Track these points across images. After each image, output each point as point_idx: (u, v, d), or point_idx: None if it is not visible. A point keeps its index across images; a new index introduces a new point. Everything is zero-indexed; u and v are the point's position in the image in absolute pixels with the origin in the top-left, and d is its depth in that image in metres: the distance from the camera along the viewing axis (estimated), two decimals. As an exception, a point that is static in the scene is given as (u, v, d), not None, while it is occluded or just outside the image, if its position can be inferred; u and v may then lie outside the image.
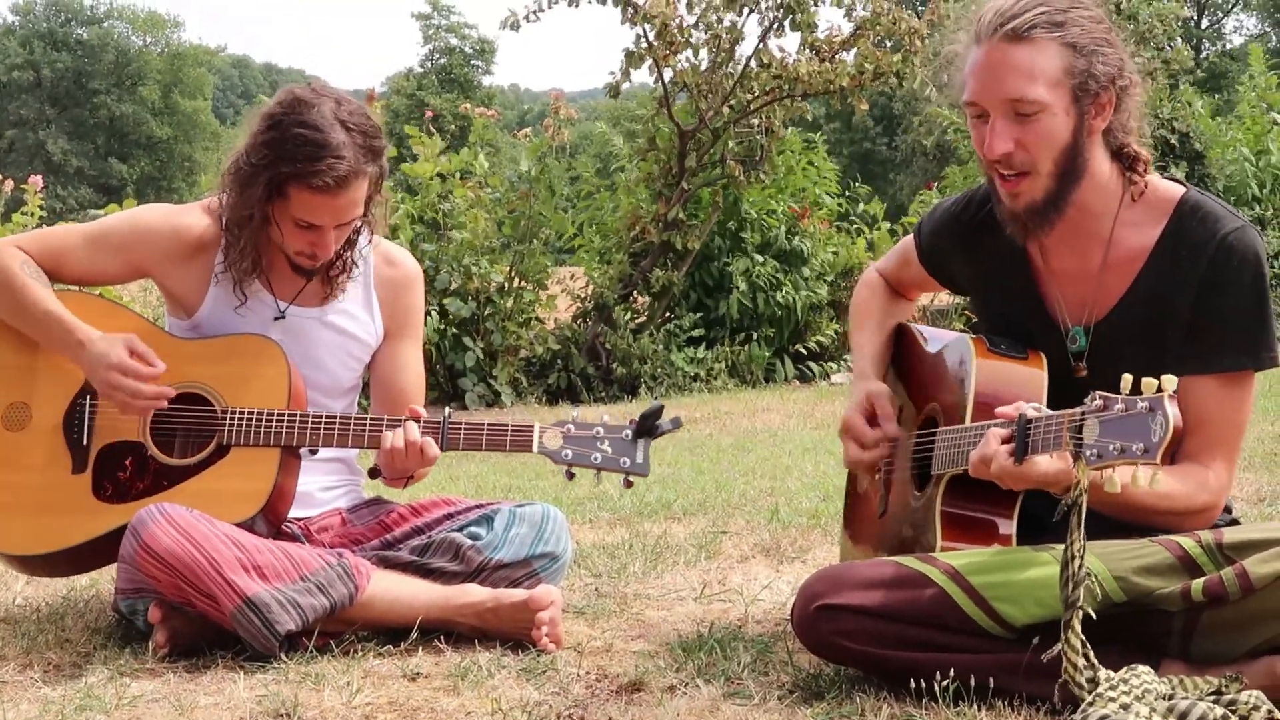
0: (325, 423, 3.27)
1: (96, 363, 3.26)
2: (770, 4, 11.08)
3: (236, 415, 3.27)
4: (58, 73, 62.82)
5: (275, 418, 3.26)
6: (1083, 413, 2.39)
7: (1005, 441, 2.59)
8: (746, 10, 11.08)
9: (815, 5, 11.12)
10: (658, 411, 3.24)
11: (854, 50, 11.17)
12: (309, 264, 3.36)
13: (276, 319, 3.43)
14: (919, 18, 11.35)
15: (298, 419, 3.26)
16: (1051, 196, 2.79)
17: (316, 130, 3.20)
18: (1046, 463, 2.56)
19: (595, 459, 3.25)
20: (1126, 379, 2.32)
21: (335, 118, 3.23)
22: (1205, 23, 56.15)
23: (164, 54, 66.41)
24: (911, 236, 3.29)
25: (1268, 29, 55.34)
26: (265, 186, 3.25)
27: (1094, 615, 2.45)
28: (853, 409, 3.15)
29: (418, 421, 3.25)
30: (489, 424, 3.28)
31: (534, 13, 11.11)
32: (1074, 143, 2.75)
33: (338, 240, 3.33)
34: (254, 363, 3.33)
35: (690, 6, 11.05)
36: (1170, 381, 2.28)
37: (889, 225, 13.27)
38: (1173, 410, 2.26)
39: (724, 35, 11.08)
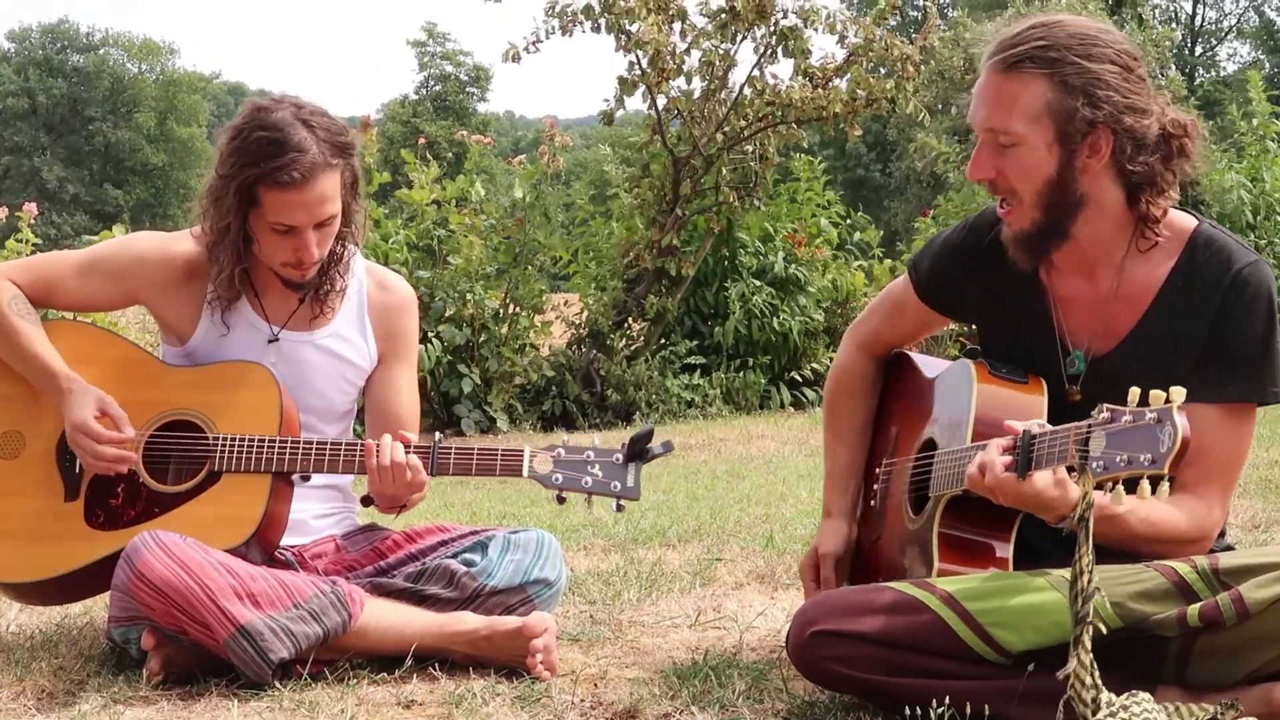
0: (316, 448, 3.27)
1: (67, 416, 3.28)
2: (764, 31, 11.11)
3: (228, 442, 3.26)
4: (53, 99, 62.89)
5: (266, 444, 3.26)
6: (1089, 425, 2.39)
7: (1006, 452, 2.59)
8: (739, 37, 11.11)
9: (809, 28, 11.13)
10: (648, 435, 3.24)
11: (847, 77, 11.20)
12: (298, 275, 3.36)
13: (270, 341, 3.43)
14: (911, 43, 11.39)
15: (288, 445, 3.26)
16: (1042, 227, 2.79)
17: (277, 130, 3.24)
18: (1044, 482, 2.56)
19: (586, 483, 3.24)
20: (1134, 392, 2.32)
21: (295, 118, 3.27)
22: (1199, 50, 56.35)
23: (159, 81, 66.49)
24: (899, 282, 3.26)
25: (1261, 55, 55.51)
26: (237, 197, 3.26)
27: (1105, 630, 2.44)
28: (805, 560, 3.29)
29: (407, 447, 3.25)
30: (479, 449, 3.28)
31: (533, 44, 11.15)
32: (1059, 178, 2.75)
33: (320, 244, 3.33)
34: (246, 389, 3.33)
35: (683, 34, 11.08)
36: (1179, 393, 2.28)
37: (888, 261, 13.24)
38: (1181, 421, 2.26)
39: (717, 62, 11.11)
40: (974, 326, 3.16)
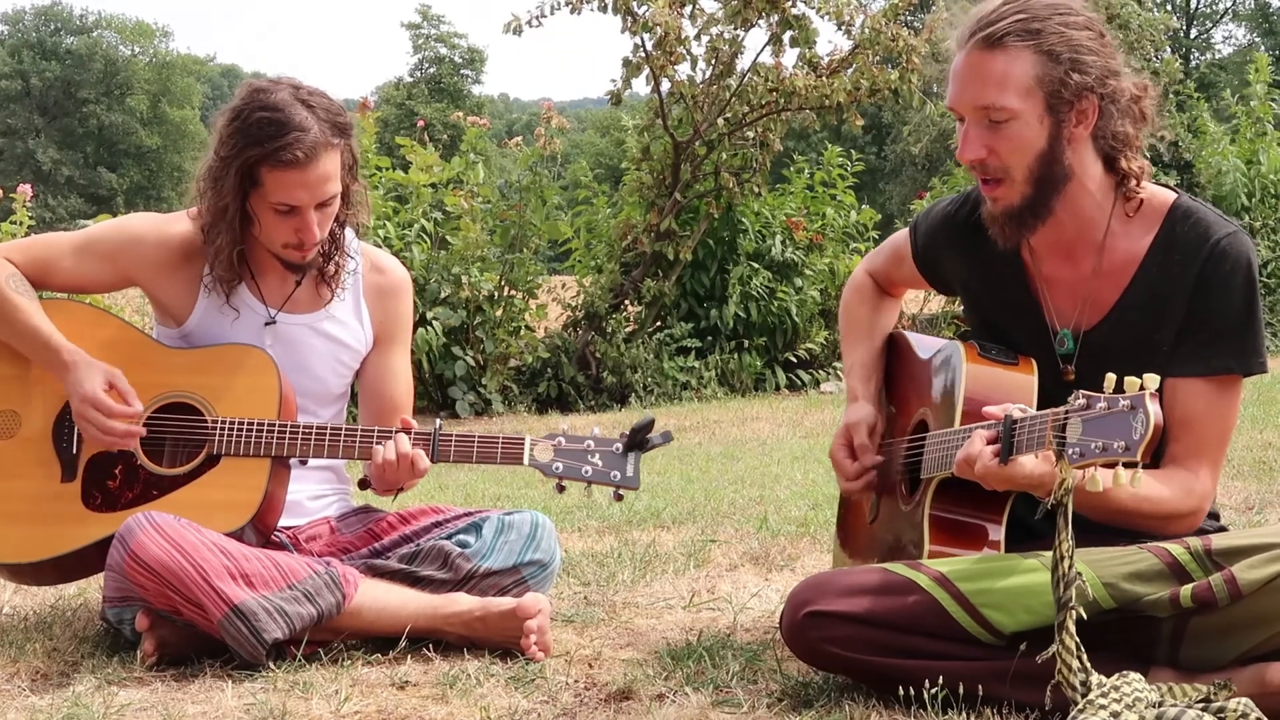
0: (316, 434, 3.27)
1: (74, 389, 3.27)
2: (771, 20, 11.05)
3: (227, 425, 3.26)
4: (47, 82, 62.73)
5: (265, 428, 3.25)
6: (1066, 412, 2.40)
7: (990, 442, 2.60)
8: (750, 24, 11.05)
9: (820, 16, 11.07)
10: (649, 425, 3.24)
11: (852, 68, 11.15)
12: (299, 256, 3.35)
13: (267, 324, 3.42)
14: (915, 34, 11.33)
15: (288, 429, 3.26)
16: (1029, 202, 2.79)
17: (277, 110, 3.23)
18: (1031, 463, 2.57)
19: (586, 472, 3.24)
20: (1110, 378, 2.33)
21: (295, 98, 3.26)
22: (1194, 33, 56.27)
23: (152, 63, 66.34)
24: (904, 233, 3.28)
25: (1256, 39, 55.44)
26: (238, 177, 3.25)
27: (1084, 615, 2.44)
28: (836, 441, 3.19)
29: (408, 434, 3.25)
30: (480, 436, 3.28)
31: (536, 18, 11.06)
32: (1050, 150, 2.75)
33: (321, 225, 3.32)
34: (244, 372, 3.33)
35: (693, 18, 11.03)
36: (1152, 380, 2.28)
37: (879, 236, 13.22)
38: (1154, 408, 2.27)
39: (724, 48, 11.06)
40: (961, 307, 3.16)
